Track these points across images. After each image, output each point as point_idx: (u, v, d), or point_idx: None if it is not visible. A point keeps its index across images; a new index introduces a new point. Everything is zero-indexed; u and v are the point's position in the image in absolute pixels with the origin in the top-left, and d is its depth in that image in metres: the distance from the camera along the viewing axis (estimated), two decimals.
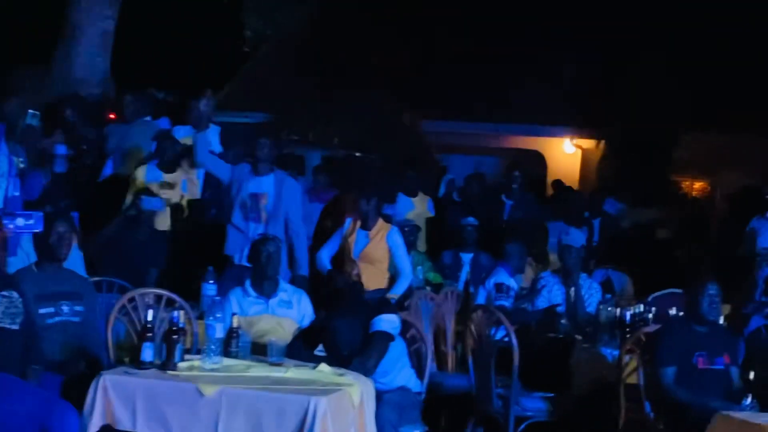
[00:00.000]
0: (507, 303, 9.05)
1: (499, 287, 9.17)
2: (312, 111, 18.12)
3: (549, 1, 20.11)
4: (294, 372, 6.02)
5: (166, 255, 9.37)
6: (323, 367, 6.10)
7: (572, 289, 9.07)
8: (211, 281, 8.24)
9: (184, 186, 10.16)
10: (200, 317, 7.15)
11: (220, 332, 6.08)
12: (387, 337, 6.45)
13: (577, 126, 19.11)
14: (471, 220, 11.19)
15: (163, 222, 9.83)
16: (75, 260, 8.28)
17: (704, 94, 17.94)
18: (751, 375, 6.77)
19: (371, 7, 21.43)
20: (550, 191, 16.97)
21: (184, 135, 10.66)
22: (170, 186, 9.97)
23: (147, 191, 9.70)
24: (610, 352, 7.95)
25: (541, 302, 9.16)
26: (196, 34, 17.37)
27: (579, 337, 8.64)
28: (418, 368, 6.91)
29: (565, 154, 19.74)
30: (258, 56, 22.19)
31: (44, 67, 11.46)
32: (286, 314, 7.23)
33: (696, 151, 17.77)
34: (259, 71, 21.77)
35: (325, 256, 9.37)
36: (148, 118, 11.07)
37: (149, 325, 5.96)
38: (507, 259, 9.49)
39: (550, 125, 19.41)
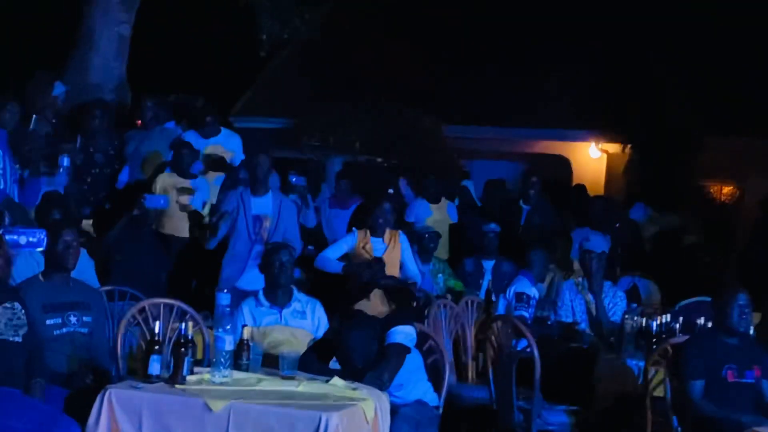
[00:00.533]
0: (527, 313, 8.82)
1: (520, 297, 8.94)
2: (332, 116, 17.98)
3: (575, 4, 19.92)
4: (306, 386, 5.81)
5: (173, 258, 9.18)
6: (336, 380, 5.89)
7: (595, 297, 8.81)
8: (226, 290, 8.07)
9: (205, 191, 9.99)
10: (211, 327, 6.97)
11: (229, 345, 5.86)
12: (403, 350, 6.22)
13: (603, 130, 18.78)
14: (492, 226, 10.94)
15: (182, 228, 9.65)
16: (85, 269, 8.14)
17: (732, 98, 17.65)
18: None
19: (393, 11, 21.35)
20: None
21: (193, 141, 10.53)
22: (189, 191, 9.80)
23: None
24: (635, 364, 7.70)
25: (565, 312, 8.93)
26: (212, 39, 17.26)
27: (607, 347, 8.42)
28: (436, 381, 6.68)
29: (591, 158, 19.39)
30: (279, 61, 22.21)
31: (59, 72, 11.25)
32: (300, 324, 7.03)
33: (724, 156, 17.39)
34: (280, 76, 21.79)
35: (331, 255, 9.15)
36: (170, 125, 10.92)
37: (156, 338, 5.75)
38: (528, 266, 9.24)
39: (575, 129, 19.06)
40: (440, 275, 10.63)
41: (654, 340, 7.88)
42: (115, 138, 10.64)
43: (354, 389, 5.81)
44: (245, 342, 6.07)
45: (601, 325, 8.76)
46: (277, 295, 7.11)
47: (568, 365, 8.34)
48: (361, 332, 6.23)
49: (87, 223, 9.51)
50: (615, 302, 8.93)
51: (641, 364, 7.42)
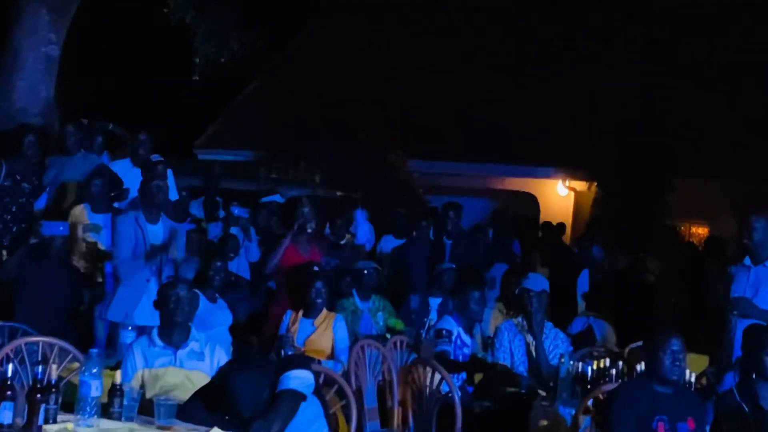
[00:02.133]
0: (449, 348, 8.23)
1: (439, 333, 8.36)
2: (295, 149, 17.61)
3: (544, 40, 19.70)
4: None
5: (79, 291, 8.58)
6: (217, 431, 5.29)
7: (534, 338, 8.26)
8: (130, 327, 7.49)
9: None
10: (117, 367, 6.39)
11: (96, 390, 5.28)
12: (297, 397, 5.59)
13: (570, 168, 18.37)
14: (446, 264, 10.45)
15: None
16: None
17: (700, 138, 17.27)
18: None
19: (362, 44, 21.04)
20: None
21: (122, 169, 9.97)
22: (96, 228, 9.24)
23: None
24: (569, 412, 7.11)
25: (503, 354, 8.36)
26: (145, 61, 16.79)
27: (543, 393, 7.85)
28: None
29: (559, 196, 18.95)
30: (245, 94, 21.90)
31: None
32: (196, 367, 6.40)
33: (692, 196, 16.96)
34: (244, 109, 21.45)
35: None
36: (101, 154, 10.38)
37: (8, 382, 5.15)
38: (458, 306, 8.64)
39: (542, 166, 18.67)
40: (380, 313, 10.11)
41: (589, 386, 7.30)
42: (39, 165, 10.06)
43: None
44: (117, 387, 5.48)
45: (540, 369, 8.19)
46: (172, 334, 6.50)
47: (503, 412, 7.80)
48: (250, 376, 5.59)
49: None
50: (556, 344, 8.39)
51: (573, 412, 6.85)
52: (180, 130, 20.85)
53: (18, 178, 9.76)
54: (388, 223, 13.11)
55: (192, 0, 11.93)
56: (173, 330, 6.51)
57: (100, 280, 8.95)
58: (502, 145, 18.80)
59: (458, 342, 8.35)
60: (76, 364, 7.28)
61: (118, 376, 5.56)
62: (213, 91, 21.48)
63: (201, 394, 5.86)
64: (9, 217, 9.68)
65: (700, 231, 18.71)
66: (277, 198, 12.84)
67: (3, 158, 9.82)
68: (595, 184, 17.89)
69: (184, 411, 5.60)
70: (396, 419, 7.93)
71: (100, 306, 8.45)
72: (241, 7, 12.49)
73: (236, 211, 11.41)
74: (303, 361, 5.82)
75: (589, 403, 6.63)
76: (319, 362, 8.07)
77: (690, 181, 16.88)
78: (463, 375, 8.32)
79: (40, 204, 9.79)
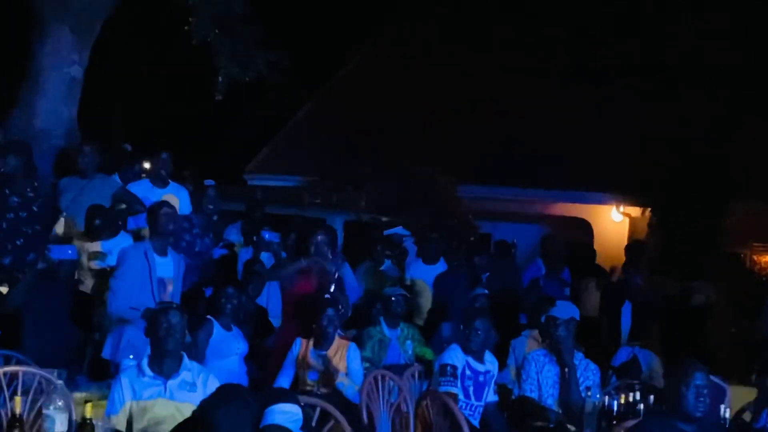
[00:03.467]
0: (454, 387, 7.70)
1: (443, 369, 7.80)
2: (341, 174, 17.31)
3: (598, 64, 19.23)
4: None
5: (89, 318, 8.24)
6: None
7: (561, 369, 7.77)
8: (132, 356, 7.14)
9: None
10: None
11: (61, 425, 4.92)
12: None
13: (624, 193, 17.81)
14: (478, 290, 10.01)
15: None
16: None
17: (761, 159, 16.59)
18: None
19: (410, 67, 20.76)
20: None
21: (143, 191, 9.66)
22: (101, 256, 8.92)
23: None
24: None
25: (530, 385, 7.87)
26: (168, 82, 16.60)
27: (572, 428, 7.36)
28: None
29: (613, 222, 18.39)
30: (295, 119, 21.70)
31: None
32: (187, 398, 6.02)
33: (755, 220, 16.31)
34: (294, 134, 21.23)
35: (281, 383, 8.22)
36: (116, 176, 10.09)
37: None
38: (468, 335, 8.10)
39: (596, 192, 18.13)
40: (408, 341, 9.68)
41: (614, 422, 6.81)
42: (37, 180, 9.67)
43: None
44: (88, 421, 5.11)
45: (570, 402, 7.69)
46: (163, 363, 6.13)
47: None
48: (232, 410, 5.18)
49: None
50: (586, 376, 7.88)
51: None
52: (231, 156, 20.72)
53: (6, 192, 9.37)
54: (421, 248, 12.67)
55: (214, 18, 11.57)
56: (164, 359, 6.15)
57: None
58: (554, 170, 18.33)
59: (467, 373, 7.85)
60: (78, 394, 7.02)
61: (88, 409, 5.19)
62: (264, 116, 21.38)
63: (182, 429, 5.46)
64: (1, 234, 9.29)
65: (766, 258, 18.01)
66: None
67: None
68: (650, 209, 17.30)
69: None
70: None
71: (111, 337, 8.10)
72: (266, 25, 12.14)
73: (267, 235, 11.03)
74: (290, 393, 5.39)
75: None
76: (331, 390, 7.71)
77: (753, 205, 16.23)
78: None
79: (59, 229, 9.48)
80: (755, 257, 17.99)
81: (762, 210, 16.40)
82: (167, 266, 8.10)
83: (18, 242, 9.02)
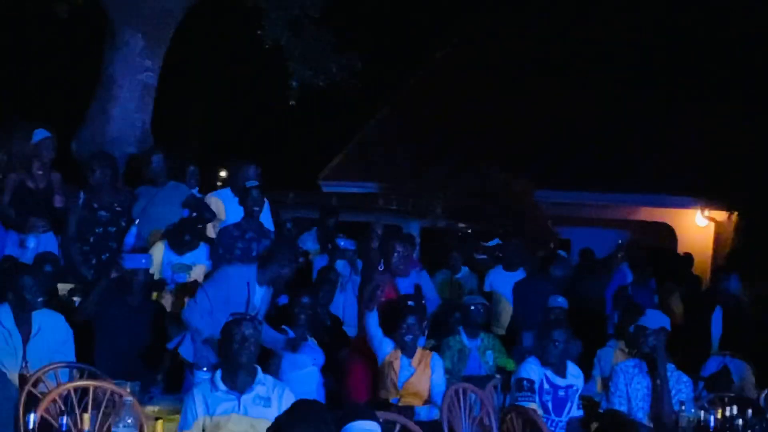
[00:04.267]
0: (533, 401, 7.33)
1: (519, 384, 7.43)
2: (417, 180, 17.05)
3: (678, 65, 18.76)
4: None
5: (164, 329, 8.02)
6: None
7: (653, 381, 7.40)
8: (206, 368, 6.90)
9: (207, 260, 8.91)
10: None
11: None
12: None
13: (708, 196, 17.33)
14: (560, 300, 9.66)
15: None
16: (63, 342, 7.15)
17: None
18: None
19: (487, 72, 20.47)
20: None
21: (225, 198, 9.45)
22: (186, 268, 8.73)
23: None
24: None
25: (619, 399, 7.52)
26: (242, 88, 16.46)
27: None
28: None
29: (697, 226, 17.90)
30: (370, 125, 21.50)
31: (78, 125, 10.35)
32: (262, 414, 5.77)
33: None
34: (369, 140, 21.02)
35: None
36: (192, 186, 9.94)
37: None
38: (545, 347, 7.73)
39: (678, 195, 17.66)
40: (489, 352, 9.36)
41: None
42: (124, 193, 9.57)
43: None
44: None
45: (662, 416, 7.32)
46: (236, 377, 5.90)
47: None
48: (308, 427, 4.92)
49: (63, 287, 8.48)
50: (678, 389, 7.51)
51: None
52: (307, 163, 20.58)
53: (95, 206, 9.27)
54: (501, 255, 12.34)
55: (287, 21, 11.36)
56: (237, 373, 5.91)
57: None
58: (635, 173, 17.94)
59: (545, 387, 7.48)
60: (151, 408, 6.83)
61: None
62: (340, 121, 21.23)
63: None
64: (88, 248, 9.22)
65: None
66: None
67: (81, 187, 9.38)
68: (736, 213, 16.80)
69: None
70: None
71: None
72: (339, 29, 11.91)
73: (342, 243, 10.80)
74: (368, 410, 5.11)
75: None
76: (410, 408, 7.43)
77: None
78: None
79: (130, 239, 9.29)
80: None
81: None
82: (261, 296, 7.89)
83: (103, 257, 8.91)
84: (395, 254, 8.45)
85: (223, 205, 9.38)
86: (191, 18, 11.43)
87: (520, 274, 11.86)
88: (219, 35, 15.75)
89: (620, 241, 14.11)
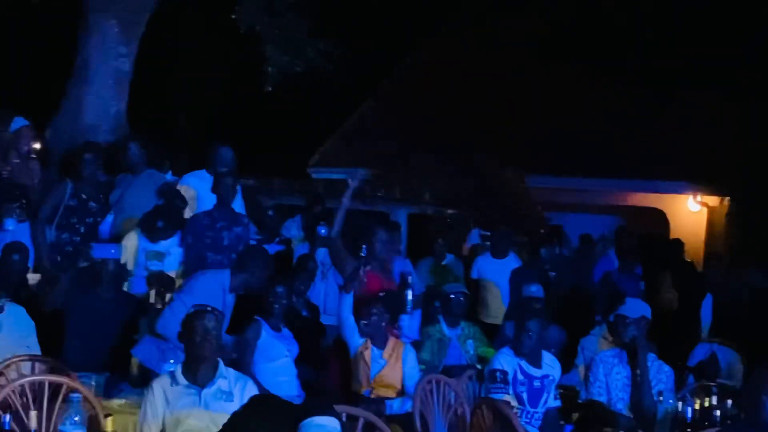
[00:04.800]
0: (506, 393, 7.15)
1: (492, 375, 7.25)
2: (405, 167, 16.88)
3: (669, 50, 18.56)
4: None
5: (135, 320, 7.85)
6: None
7: (632, 371, 7.24)
8: (172, 360, 6.73)
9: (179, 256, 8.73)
10: None
11: None
12: None
13: (701, 182, 17.16)
14: (533, 289, 9.47)
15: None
16: (24, 333, 7.00)
17: None
18: None
19: (476, 57, 20.28)
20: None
21: (196, 182, 9.25)
22: (159, 256, 8.55)
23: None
24: None
25: (598, 389, 7.35)
26: (213, 73, 16.31)
27: None
28: None
29: (690, 212, 17.72)
30: (359, 111, 21.31)
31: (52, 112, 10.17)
32: (223, 408, 5.56)
33: None
34: (358, 126, 20.84)
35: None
36: (166, 173, 9.75)
37: None
38: (519, 337, 7.53)
39: (671, 181, 17.48)
40: (469, 341, 9.18)
41: (689, 430, 6.27)
42: (109, 183, 9.44)
43: None
44: None
45: (642, 406, 7.16)
46: (197, 371, 5.72)
47: None
48: (264, 423, 4.75)
49: (32, 277, 8.31)
50: (659, 378, 7.33)
51: None
52: (295, 150, 20.39)
53: (84, 197, 9.15)
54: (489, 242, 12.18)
55: (263, 6, 11.17)
56: (199, 366, 5.73)
57: (159, 307, 8.24)
58: (627, 159, 17.76)
59: (520, 378, 7.31)
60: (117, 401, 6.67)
61: (109, 425, 4.78)
62: (329, 108, 21.04)
63: None
64: (78, 239, 9.07)
65: None
66: None
67: (68, 177, 9.24)
68: (729, 198, 16.64)
69: None
70: None
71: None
72: (317, 14, 11.71)
73: (323, 231, 10.61)
74: (327, 406, 4.94)
75: None
76: (382, 401, 7.27)
77: None
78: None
79: (105, 228, 9.15)
80: None
81: None
82: (230, 303, 7.82)
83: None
84: (379, 241, 8.35)
85: (194, 192, 9.19)
86: (166, 3, 11.23)
87: (508, 261, 11.72)
88: (194, 20, 15.55)
89: (604, 233, 13.94)
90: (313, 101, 20.48)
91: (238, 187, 9.16)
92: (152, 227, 8.71)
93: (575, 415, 7.62)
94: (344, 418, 5.12)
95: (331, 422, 4.77)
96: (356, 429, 5.44)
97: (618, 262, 12.36)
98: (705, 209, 17.71)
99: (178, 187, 9.15)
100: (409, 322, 8.75)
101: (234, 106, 19.18)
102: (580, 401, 7.75)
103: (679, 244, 14.69)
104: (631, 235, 13.83)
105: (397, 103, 20.50)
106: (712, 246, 16.76)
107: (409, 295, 8.47)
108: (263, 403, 5.00)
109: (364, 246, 8.37)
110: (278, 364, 7.86)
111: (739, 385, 8.66)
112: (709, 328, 11.40)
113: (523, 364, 7.29)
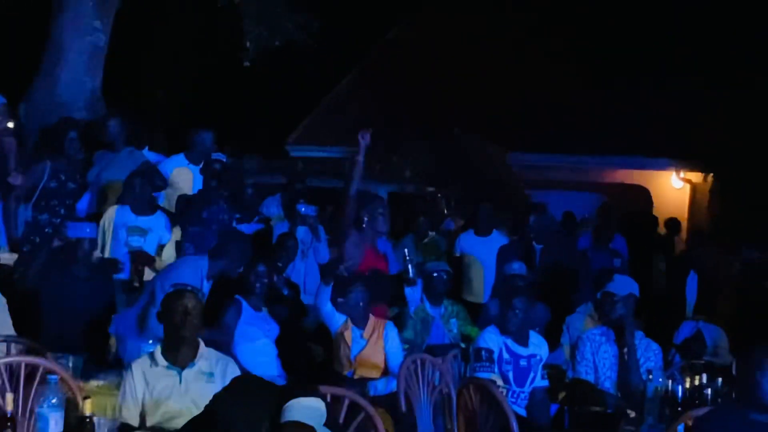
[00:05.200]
0: (492, 372, 7.04)
1: (478, 354, 7.13)
2: (386, 144, 16.71)
3: (653, 25, 18.45)
4: None
5: (112, 300, 7.70)
6: None
7: (620, 350, 7.12)
8: (151, 340, 6.57)
9: (164, 230, 8.56)
10: None
11: (56, 425, 4.37)
12: (303, 430, 4.57)
13: (684, 158, 17.06)
14: (516, 266, 9.33)
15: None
16: None
17: None
18: None
19: (456, 32, 20.13)
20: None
21: (176, 165, 9.10)
22: (141, 231, 8.39)
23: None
24: None
25: (585, 368, 7.23)
26: (191, 48, 16.13)
27: (632, 413, 6.69)
28: None
29: (673, 189, 17.64)
30: (339, 88, 21.14)
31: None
32: (204, 390, 5.41)
33: None
34: (338, 104, 20.67)
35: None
36: (144, 151, 9.58)
37: None
38: (506, 315, 7.41)
39: (654, 157, 17.38)
40: (453, 320, 9.04)
41: (680, 408, 6.16)
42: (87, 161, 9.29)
43: None
44: (87, 419, 4.56)
45: (630, 385, 7.05)
46: (177, 351, 5.56)
47: None
48: (248, 404, 4.59)
49: (8, 257, 8.15)
50: (647, 357, 7.22)
51: None
52: (273, 126, 20.21)
53: (63, 178, 8.98)
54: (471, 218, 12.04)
55: None
56: (179, 347, 5.58)
57: (136, 284, 8.10)
58: (610, 135, 17.64)
59: (506, 357, 7.19)
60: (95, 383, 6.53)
61: (88, 405, 4.63)
62: (309, 85, 20.85)
63: (194, 424, 4.88)
64: (59, 220, 8.89)
65: None
66: None
67: (47, 157, 9.05)
68: (712, 175, 16.56)
69: None
70: None
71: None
72: None
73: (303, 209, 10.46)
74: (312, 387, 4.80)
75: (679, 429, 5.51)
76: (364, 381, 7.15)
77: None
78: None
79: (82, 206, 8.98)
80: None
81: None
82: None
83: None
84: (379, 215, 8.26)
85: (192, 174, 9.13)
86: None
87: (492, 239, 11.58)
88: None
89: (586, 215, 13.84)
90: (292, 77, 20.29)
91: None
92: (131, 192, 8.57)
93: (562, 395, 7.53)
94: (328, 399, 4.98)
95: (316, 403, 4.64)
96: (341, 410, 5.30)
97: (592, 239, 12.27)
98: (688, 186, 17.61)
99: (177, 169, 9.02)
100: (413, 294, 8.68)
101: (211, 81, 18.98)
102: (566, 380, 7.65)
103: (653, 221, 14.66)
104: (608, 210, 13.76)
105: (377, 80, 20.35)
106: (695, 223, 16.68)
107: (410, 267, 8.47)
108: (246, 385, 4.86)
109: (365, 218, 8.27)
110: (259, 344, 7.74)
111: (725, 362, 8.57)
112: (694, 306, 11.32)
113: (509, 342, 7.17)
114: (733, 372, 6.56)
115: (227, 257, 7.75)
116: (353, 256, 8.17)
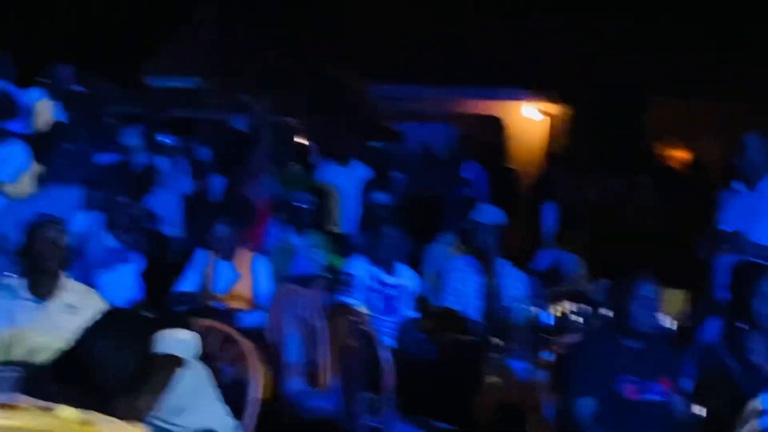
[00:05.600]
0: (347, 296, 7.04)
1: (341, 279, 7.15)
2: (245, 73, 16.50)
3: None
4: (20, 418, 4.07)
5: None
6: (66, 411, 4.14)
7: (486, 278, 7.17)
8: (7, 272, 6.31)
9: (18, 158, 8.28)
10: None
11: None
12: (173, 362, 4.44)
13: (540, 89, 17.16)
14: (381, 197, 9.33)
15: None
16: None
17: (683, 58, 16.06)
18: (701, 410, 4.82)
19: None
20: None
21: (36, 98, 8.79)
22: None
23: None
24: (523, 368, 5.99)
25: (450, 295, 7.26)
26: None
27: (498, 342, 6.72)
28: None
29: (530, 120, 17.73)
30: (197, 14, 20.67)
31: None
32: (68, 323, 5.19)
33: (674, 119, 15.88)
34: (197, 30, 20.23)
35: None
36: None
37: None
38: (373, 243, 7.41)
39: (508, 87, 17.40)
40: (318, 250, 8.98)
41: (548, 335, 6.20)
42: None
43: (87, 423, 4.07)
44: None
45: (495, 314, 7.10)
46: (40, 283, 5.36)
47: (450, 363, 6.71)
48: (115, 337, 4.43)
49: None
50: (515, 286, 7.32)
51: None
52: (128, 53, 19.64)
53: None
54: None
55: None
56: (42, 278, 5.38)
57: None
58: (465, 65, 17.57)
59: (374, 286, 7.17)
60: None
61: None
62: (163, 10, 20.32)
63: (60, 359, 4.71)
64: None
65: (681, 155, 17.63)
66: None
67: None
68: (571, 106, 16.75)
69: (31, 383, 4.46)
70: (324, 377, 6.84)
71: None
72: None
73: (162, 139, 10.26)
74: (182, 318, 4.68)
75: (547, 357, 5.56)
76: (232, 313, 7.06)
77: (670, 103, 15.75)
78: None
79: None
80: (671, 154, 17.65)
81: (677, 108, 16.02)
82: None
83: None
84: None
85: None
86: None
87: (351, 168, 11.54)
88: None
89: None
90: (148, 3, 19.77)
91: None
92: None
93: (427, 323, 7.54)
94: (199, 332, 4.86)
95: (187, 335, 4.53)
96: (213, 343, 5.20)
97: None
98: (548, 118, 17.75)
99: (40, 102, 8.71)
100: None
101: (63, 7, 18.38)
102: (432, 309, 7.67)
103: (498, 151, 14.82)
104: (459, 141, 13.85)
105: (237, 8, 19.94)
106: (554, 154, 16.87)
107: None
108: (116, 318, 4.70)
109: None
110: (119, 275, 7.57)
111: (584, 291, 8.70)
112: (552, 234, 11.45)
113: (377, 271, 7.15)
114: (591, 296, 6.70)
115: (104, 190, 7.53)
116: None
